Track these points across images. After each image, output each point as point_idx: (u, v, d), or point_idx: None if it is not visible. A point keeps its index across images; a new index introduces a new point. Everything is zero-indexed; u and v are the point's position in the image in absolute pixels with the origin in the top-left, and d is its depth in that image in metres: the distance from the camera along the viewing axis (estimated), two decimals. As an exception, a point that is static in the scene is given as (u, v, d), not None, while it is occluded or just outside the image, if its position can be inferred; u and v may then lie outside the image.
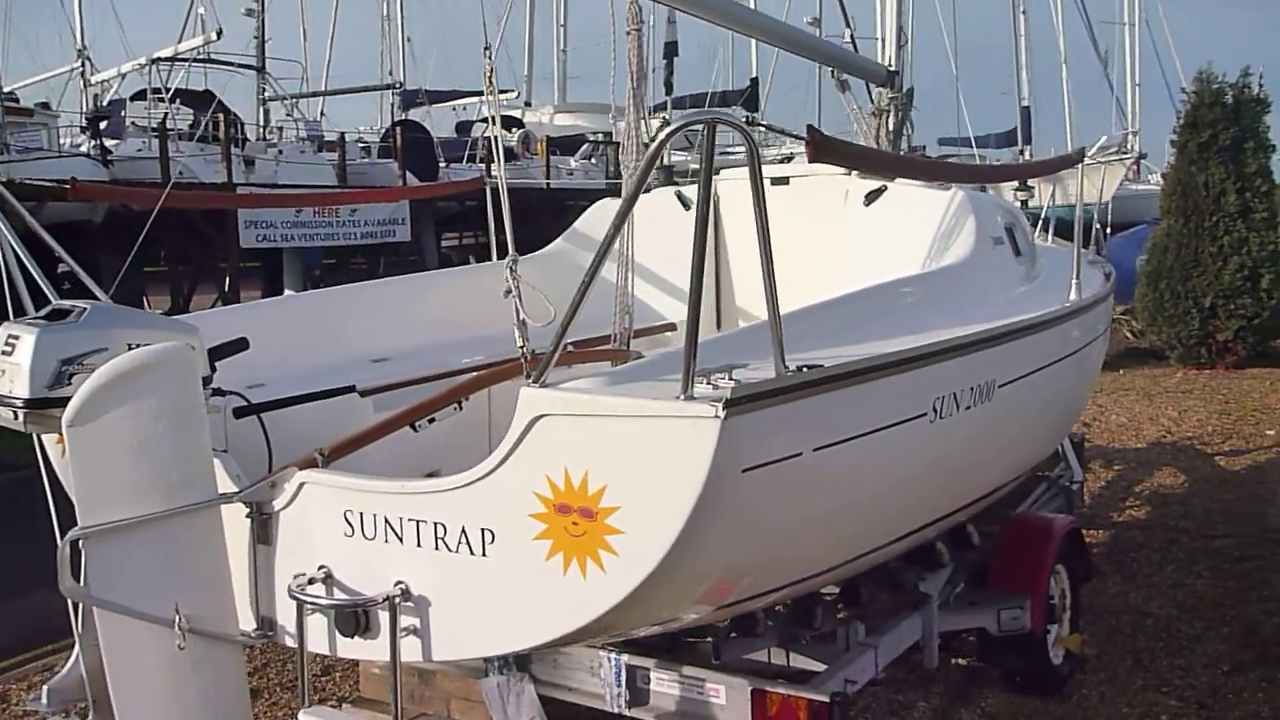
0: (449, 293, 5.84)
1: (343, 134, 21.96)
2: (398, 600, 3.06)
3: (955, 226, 5.22)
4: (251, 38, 25.86)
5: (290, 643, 3.37)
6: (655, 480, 2.66)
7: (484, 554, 2.94)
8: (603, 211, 6.53)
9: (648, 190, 6.97)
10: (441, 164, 24.89)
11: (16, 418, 3.22)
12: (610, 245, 2.79)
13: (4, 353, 3.25)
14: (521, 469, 2.83)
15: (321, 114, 28.55)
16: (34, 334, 3.20)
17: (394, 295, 5.59)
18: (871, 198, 5.70)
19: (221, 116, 18.57)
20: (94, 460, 3.18)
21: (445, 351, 5.17)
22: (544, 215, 25.24)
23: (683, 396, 2.66)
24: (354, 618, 3.15)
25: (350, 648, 3.23)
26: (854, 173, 5.99)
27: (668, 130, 2.81)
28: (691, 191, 6.33)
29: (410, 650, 3.10)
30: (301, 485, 3.26)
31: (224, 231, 18.45)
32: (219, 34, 20.50)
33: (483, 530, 2.94)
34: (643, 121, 4.47)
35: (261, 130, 24.63)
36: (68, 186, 4.32)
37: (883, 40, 7.08)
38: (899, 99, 7.01)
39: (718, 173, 6.40)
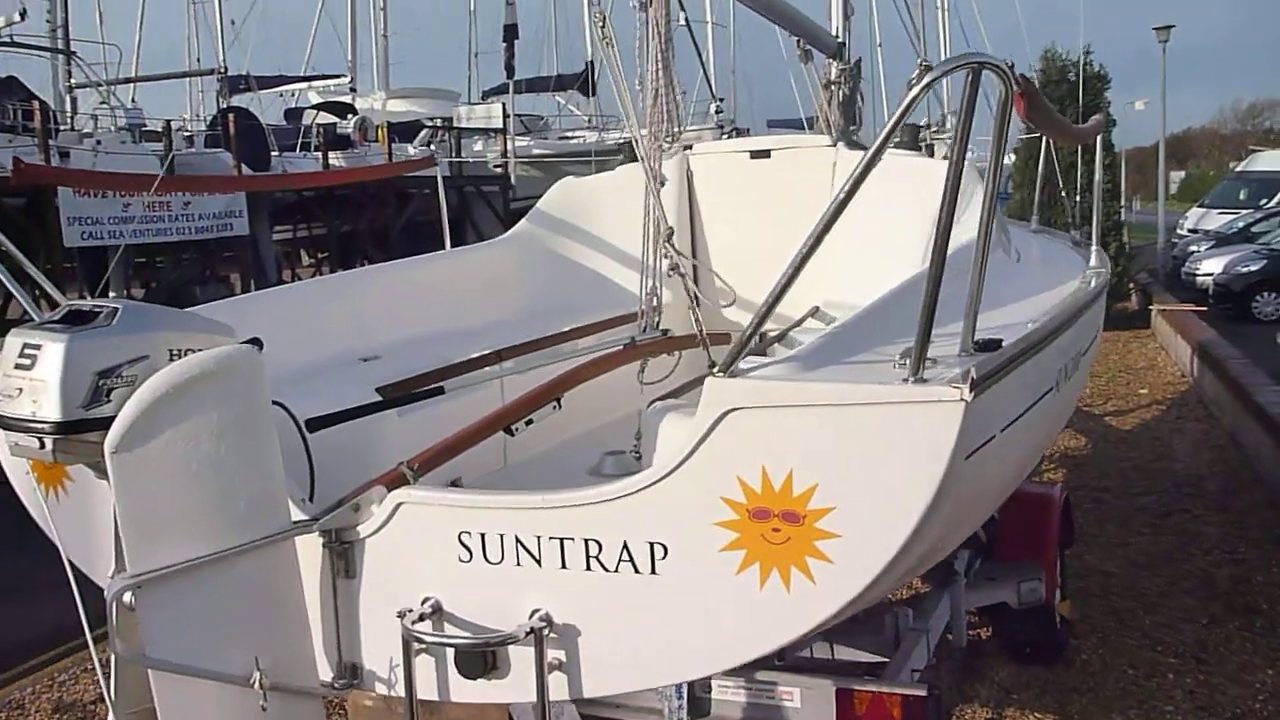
0: (412, 284, 5.32)
1: (168, 122, 20.41)
2: (545, 632, 2.63)
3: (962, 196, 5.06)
4: (44, 20, 23.79)
5: (381, 689, 2.88)
6: (883, 474, 2.34)
7: (653, 571, 2.55)
8: (567, 190, 6.11)
9: (610, 167, 6.61)
10: (274, 153, 23.59)
11: (44, 446, 2.61)
12: (841, 209, 2.44)
13: (21, 367, 2.62)
14: (707, 471, 2.46)
15: (133, 102, 26.62)
16: (61, 342, 2.60)
17: (359, 289, 5.04)
18: (865, 169, 5.48)
19: (37, 104, 16.94)
20: (145, 491, 2.62)
21: (436, 345, 4.69)
22: (387, 203, 24.33)
23: (912, 379, 2.35)
24: (481, 656, 2.69)
25: (471, 691, 2.77)
26: (839, 143, 5.78)
27: (928, 79, 2.47)
28: (665, 167, 5.97)
29: (557, 688, 2.68)
30: (398, 506, 2.78)
31: (44, 230, 16.90)
32: (23, 14, 18.71)
33: (651, 545, 2.54)
34: (673, 88, 4.09)
35: (70, 119, 22.71)
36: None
37: (829, 10, 6.89)
38: (848, 70, 6.85)
39: (688, 147, 6.08)
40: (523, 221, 5.98)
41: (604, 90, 35.45)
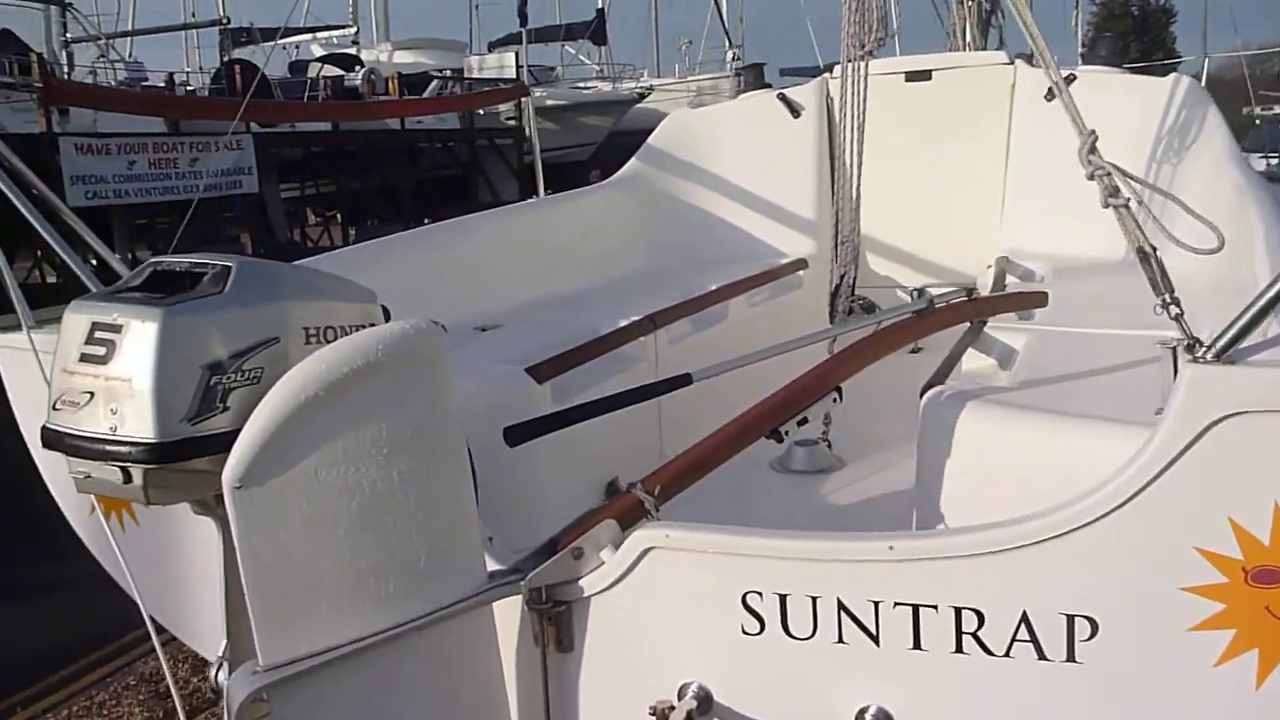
0: (513, 237, 4.43)
1: (171, 75, 19.38)
2: None
3: (1192, 117, 4.16)
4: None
5: None
6: None
7: (1070, 658, 1.68)
8: (682, 124, 5.18)
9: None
10: (281, 108, 22.50)
11: (130, 480, 1.73)
12: None
13: (90, 359, 1.73)
14: (1177, 509, 1.58)
15: (130, 56, 25.53)
16: (154, 320, 1.70)
17: (451, 245, 4.14)
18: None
19: (35, 58, 15.93)
20: (284, 542, 1.73)
21: (564, 310, 3.82)
22: (397, 159, 23.22)
23: None
24: None
25: None
26: (1017, 61, 4.85)
27: None
28: (798, 94, 5.05)
29: None
30: (646, 552, 1.90)
31: (30, 194, 15.94)
32: (14, -37, 17.62)
33: (1070, 618, 1.67)
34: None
35: (68, 74, 21.64)
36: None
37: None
38: (989, -20, 5.92)
39: (829, 69, 5.14)
40: (633, 160, 5.07)
41: (615, 39, 34.34)
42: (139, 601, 2.31)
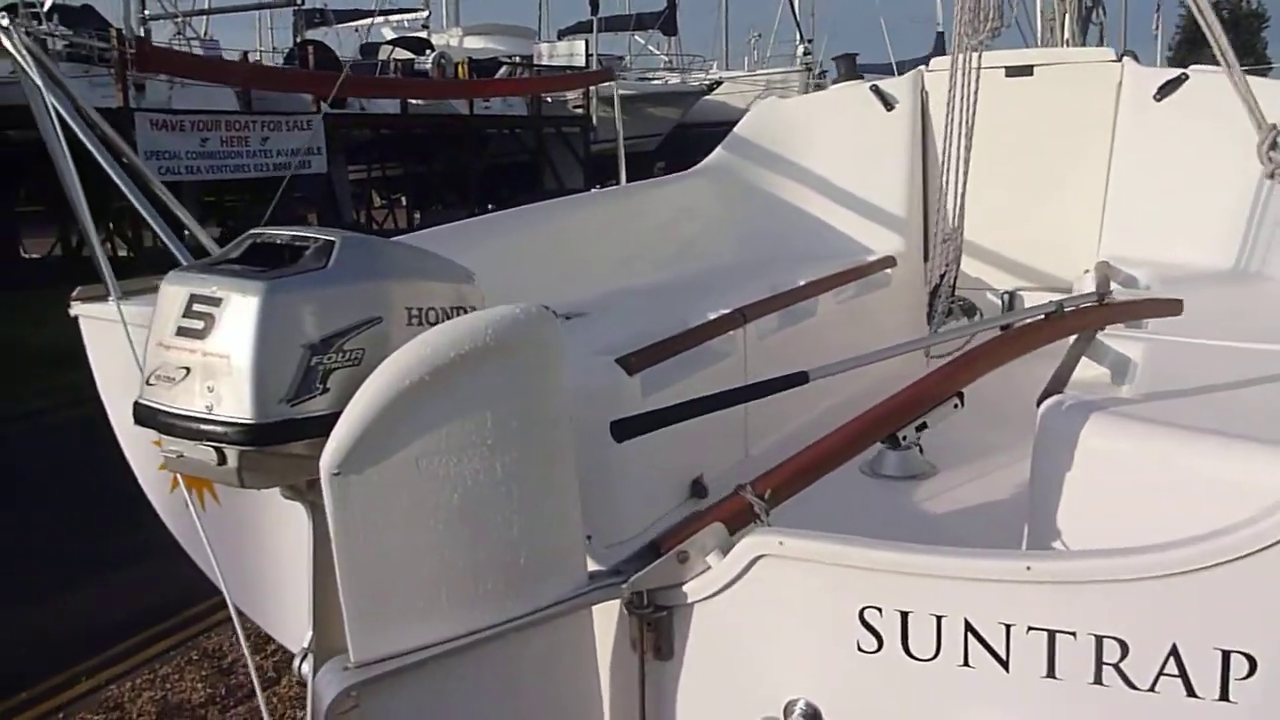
0: (596, 224, 4.33)
1: (245, 54, 19.58)
2: None
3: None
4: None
5: None
6: None
7: (1222, 695, 1.55)
8: (770, 113, 5.06)
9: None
10: (351, 89, 22.64)
11: (225, 462, 1.65)
12: None
13: (187, 332, 1.66)
14: None
15: (206, 34, 25.89)
16: (255, 294, 1.62)
17: (533, 230, 4.05)
18: (1166, 89, 4.35)
19: (116, 33, 16.17)
20: (383, 534, 1.65)
21: (651, 299, 3.72)
22: (465, 145, 23.30)
23: None
24: None
25: None
26: (1125, 58, 4.65)
27: None
28: (892, 86, 4.89)
29: None
30: (756, 560, 1.79)
31: (121, 164, 16.19)
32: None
33: (1225, 654, 1.54)
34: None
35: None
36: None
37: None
38: (1091, -27, 5.71)
39: (925, 63, 4.98)
40: (719, 149, 4.94)
41: (685, 30, 34.21)
42: (219, 582, 2.24)
